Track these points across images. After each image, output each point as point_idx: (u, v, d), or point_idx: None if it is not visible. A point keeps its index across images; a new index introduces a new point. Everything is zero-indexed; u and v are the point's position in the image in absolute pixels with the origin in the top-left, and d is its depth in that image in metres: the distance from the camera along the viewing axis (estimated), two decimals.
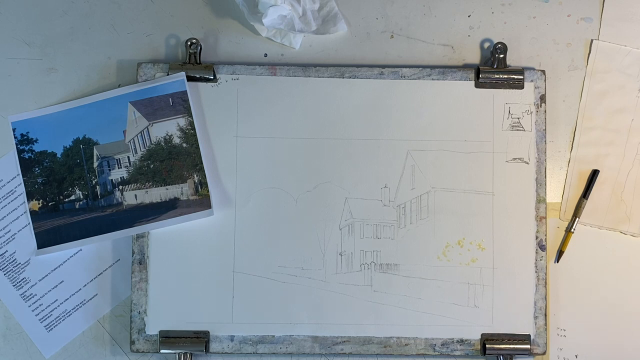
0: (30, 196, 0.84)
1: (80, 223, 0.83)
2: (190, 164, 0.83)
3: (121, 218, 0.83)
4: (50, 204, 0.83)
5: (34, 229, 0.83)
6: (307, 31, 0.85)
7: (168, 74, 0.83)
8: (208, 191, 0.82)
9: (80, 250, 0.84)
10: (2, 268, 0.84)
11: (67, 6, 0.87)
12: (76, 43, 0.87)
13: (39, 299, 0.84)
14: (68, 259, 0.84)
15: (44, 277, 0.84)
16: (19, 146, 0.84)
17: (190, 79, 0.83)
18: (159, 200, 0.83)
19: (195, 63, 0.84)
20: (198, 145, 0.83)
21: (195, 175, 0.83)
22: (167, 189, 0.83)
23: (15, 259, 0.84)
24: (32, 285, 0.84)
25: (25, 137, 0.84)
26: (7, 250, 0.84)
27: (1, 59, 0.86)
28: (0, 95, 0.85)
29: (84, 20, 0.87)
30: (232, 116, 0.84)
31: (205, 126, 0.84)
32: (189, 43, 0.84)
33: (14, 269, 0.84)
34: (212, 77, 0.84)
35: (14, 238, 0.84)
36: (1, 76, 0.86)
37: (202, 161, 0.83)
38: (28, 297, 0.84)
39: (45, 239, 0.83)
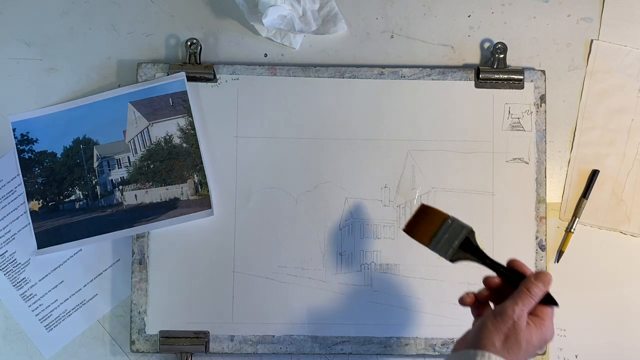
0: (30, 196, 0.84)
1: (80, 223, 0.83)
2: (190, 164, 0.83)
3: (121, 218, 0.83)
4: (50, 204, 0.83)
5: (34, 229, 0.83)
6: (307, 31, 0.85)
7: (168, 74, 0.83)
8: (208, 191, 0.82)
9: (80, 250, 0.84)
10: (2, 268, 0.84)
11: (67, 6, 0.87)
12: (76, 43, 0.87)
13: (39, 299, 0.84)
14: (68, 259, 0.84)
15: (44, 277, 0.84)
16: (19, 146, 0.84)
17: (190, 79, 0.83)
18: (159, 200, 0.83)
19: (195, 63, 0.84)
20: (198, 145, 0.83)
21: (195, 175, 0.83)
22: (167, 189, 0.83)
23: (15, 259, 0.84)
24: (32, 285, 0.84)
25: (25, 137, 0.84)
26: (7, 250, 0.84)
27: (1, 59, 0.86)
28: (0, 95, 0.85)
29: (84, 20, 0.87)
30: (232, 116, 0.84)
31: (205, 126, 0.84)
32: (189, 43, 0.84)
33: (14, 269, 0.84)
34: (212, 77, 0.84)
35: (14, 238, 0.84)
36: (1, 76, 0.86)
37: (202, 161, 0.82)
38: (28, 297, 0.84)
39: (45, 239, 0.83)
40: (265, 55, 0.87)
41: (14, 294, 0.84)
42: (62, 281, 0.84)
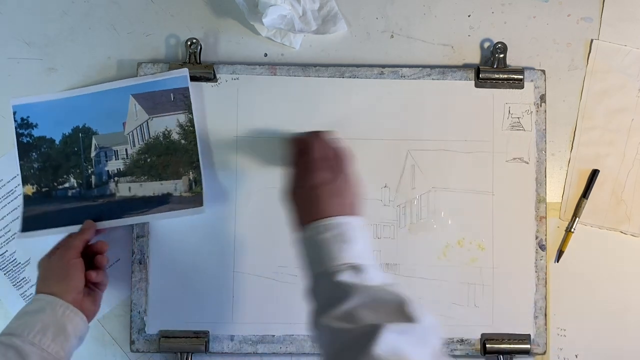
0: (25, 180, 0.83)
1: (70, 210, 0.82)
2: (186, 161, 0.83)
3: (112, 209, 0.82)
4: (44, 189, 0.83)
5: (24, 212, 0.82)
6: (307, 31, 0.85)
7: None
8: (201, 189, 0.82)
9: None
10: (2, 268, 0.84)
11: (67, 6, 0.87)
12: (76, 43, 0.87)
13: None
14: None
15: None
16: (18, 130, 0.83)
17: (190, 78, 0.83)
18: (151, 195, 0.82)
19: (195, 63, 0.84)
20: (196, 142, 0.82)
21: (190, 173, 0.82)
22: (161, 184, 0.82)
23: (15, 259, 0.84)
24: (32, 285, 0.83)
25: (25, 121, 0.84)
26: (7, 250, 0.84)
27: (1, 59, 0.86)
28: (0, 95, 0.85)
29: (84, 20, 0.87)
30: (232, 116, 0.84)
31: (204, 124, 0.83)
32: (189, 43, 0.84)
33: (14, 269, 0.84)
34: (212, 77, 0.84)
35: (14, 238, 0.84)
36: (1, 76, 0.86)
37: (198, 159, 0.82)
38: (28, 297, 0.83)
39: (32, 224, 0.82)
40: (265, 55, 0.87)
41: (14, 294, 0.83)
42: None
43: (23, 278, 0.84)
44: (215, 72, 0.84)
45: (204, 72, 0.83)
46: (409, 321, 0.54)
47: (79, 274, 0.73)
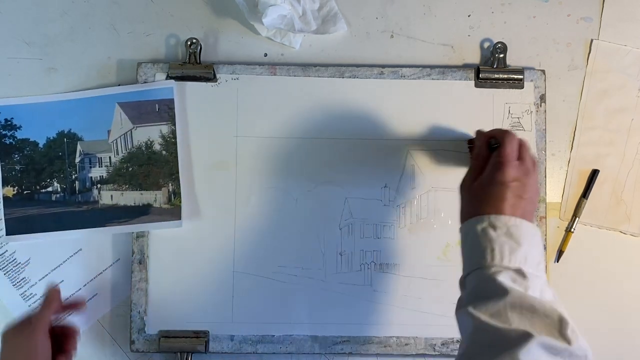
0: (5, 182, 0.83)
1: (54, 215, 0.83)
2: (167, 172, 0.83)
3: (95, 216, 0.83)
4: (25, 192, 0.83)
5: (4, 215, 0.83)
6: (307, 31, 0.85)
7: (168, 74, 0.83)
8: (180, 202, 0.82)
9: (81, 249, 0.84)
10: (2, 268, 0.84)
11: (67, 6, 0.87)
12: (76, 43, 0.87)
13: (39, 299, 0.83)
14: (68, 258, 0.84)
15: (44, 277, 0.84)
16: (1, 131, 0.84)
17: (190, 78, 0.83)
18: (132, 204, 0.83)
19: (195, 63, 0.84)
20: (177, 154, 0.82)
21: (170, 184, 0.82)
22: (141, 194, 0.83)
23: (15, 259, 0.84)
24: (32, 285, 0.84)
25: (9, 123, 0.84)
26: (7, 250, 0.84)
27: (1, 59, 0.86)
28: (0, 95, 0.85)
29: (84, 20, 0.87)
30: (232, 116, 0.84)
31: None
32: (189, 43, 0.84)
33: (14, 269, 0.84)
34: (212, 77, 0.84)
35: None
36: (1, 76, 0.86)
37: (178, 171, 0.82)
38: (28, 297, 0.84)
39: (15, 227, 0.83)
40: (265, 55, 0.87)
41: (14, 293, 0.83)
42: (62, 280, 0.84)
43: (23, 278, 0.84)
44: (215, 72, 0.84)
45: (204, 72, 0.83)
46: (563, 341, 0.54)
47: (47, 356, 0.70)
